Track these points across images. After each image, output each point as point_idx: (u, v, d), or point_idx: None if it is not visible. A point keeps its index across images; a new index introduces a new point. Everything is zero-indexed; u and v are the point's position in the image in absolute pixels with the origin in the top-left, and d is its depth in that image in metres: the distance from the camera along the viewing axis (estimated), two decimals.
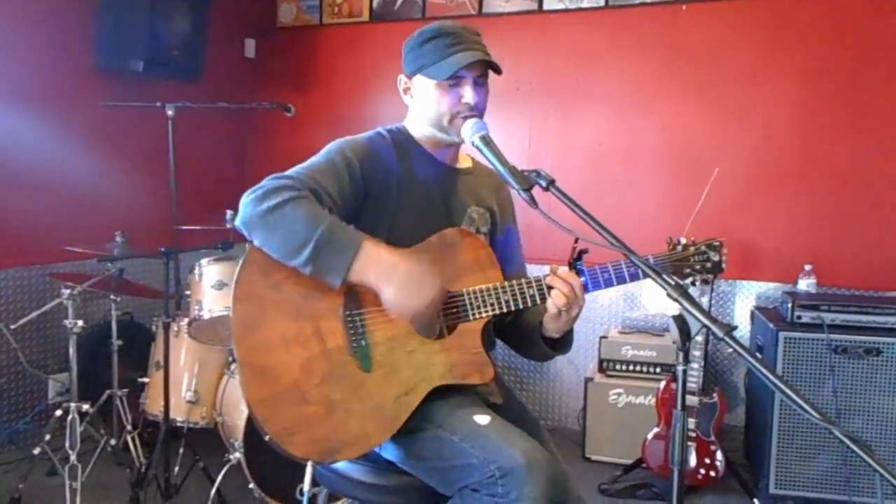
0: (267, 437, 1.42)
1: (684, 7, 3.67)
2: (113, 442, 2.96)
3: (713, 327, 1.16)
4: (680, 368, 1.23)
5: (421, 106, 1.70)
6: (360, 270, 1.46)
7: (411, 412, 1.50)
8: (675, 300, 1.20)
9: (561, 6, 3.88)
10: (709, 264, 1.66)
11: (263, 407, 1.43)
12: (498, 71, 1.66)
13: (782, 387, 1.10)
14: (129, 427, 3.09)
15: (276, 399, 1.44)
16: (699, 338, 3.02)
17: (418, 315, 1.48)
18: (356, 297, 1.53)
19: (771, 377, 1.11)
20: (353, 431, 1.46)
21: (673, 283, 1.21)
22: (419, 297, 1.46)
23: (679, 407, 1.23)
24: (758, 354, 1.15)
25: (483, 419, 1.47)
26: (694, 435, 3.04)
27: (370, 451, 1.51)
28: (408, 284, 1.46)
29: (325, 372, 1.48)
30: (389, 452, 1.59)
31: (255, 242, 1.51)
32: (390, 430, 1.48)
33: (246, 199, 1.51)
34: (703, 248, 1.66)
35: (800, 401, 1.09)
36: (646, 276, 1.53)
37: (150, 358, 3.16)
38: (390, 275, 1.46)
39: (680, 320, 1.21)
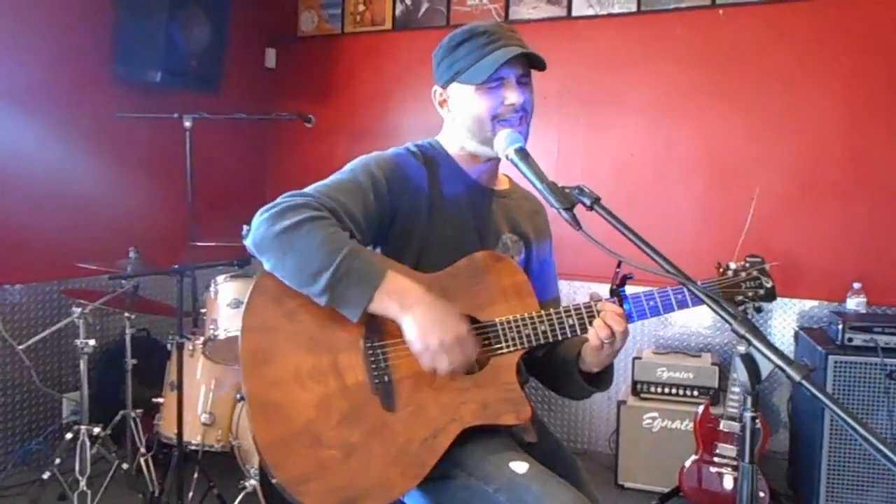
0: (275, 482, 1.27)
1: (721, 12, 3.50)
2: (125, 466, 2.85)
3: (789, 370, 1.00)
4: (748, 415, 1.07)
5: (460, 117, 1.52)
6: (382, 301, 1.32)
7: (440, 457, 1.34)
8: (743, 337, 1.04)
9: (590, 12, 3.74)
10: (762, 291, 1.50)
11: (275, 451, 1.29)
12: (542, 66, 1.49)
13: (876, 443, 0.94)
14: (142, 449, 2.98)
15: (288, 442, 1.29)
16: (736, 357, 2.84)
17: (444, 347, 1.31)
18: (378, 328, 1.38)
19: (862, 431, 0.95)
20: (374, 479, 1.30)
21: (739, 316, 1.06)
22: (442, 331, 1.31)
23: (747, 460, 1.07)
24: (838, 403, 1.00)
25: (520, 467, 1.31)
26: (735, 463, 2.86)
27: (394, 500, 1.34)
28: (431, 316, 1.32)
29: (344, 411, 1.33)
30: (415, 500, 1.43)
31: (266, 266, 1.37)
32: (416, 476, 1.32)
33: (259, 219, 1.37)
34: (755, 273, 1.51)
35: None
36: (696, 304, 1.40)
37: (165, 377, 3.06)
38: (413, 306, 1.32)
39: (748, 360, 1.05)
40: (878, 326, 2.74)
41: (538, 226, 1.69)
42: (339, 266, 1.29)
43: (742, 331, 1.05)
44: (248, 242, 1.38)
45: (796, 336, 3.28)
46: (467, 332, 1.34)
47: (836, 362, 2.73)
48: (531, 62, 1.49)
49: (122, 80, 3.57)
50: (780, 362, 1.01)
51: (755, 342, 1.03)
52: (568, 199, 1.26)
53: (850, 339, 2.75)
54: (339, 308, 1.33)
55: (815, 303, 3.39)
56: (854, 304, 3.08)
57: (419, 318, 1.31)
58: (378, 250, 1.52)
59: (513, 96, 1.46)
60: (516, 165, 1.38)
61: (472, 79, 1.46)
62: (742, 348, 1.07)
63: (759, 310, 1.56)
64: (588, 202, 1.25)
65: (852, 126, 3.32)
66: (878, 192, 3.28)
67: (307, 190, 1.41)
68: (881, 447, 0.93)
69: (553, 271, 1.74)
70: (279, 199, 1.38)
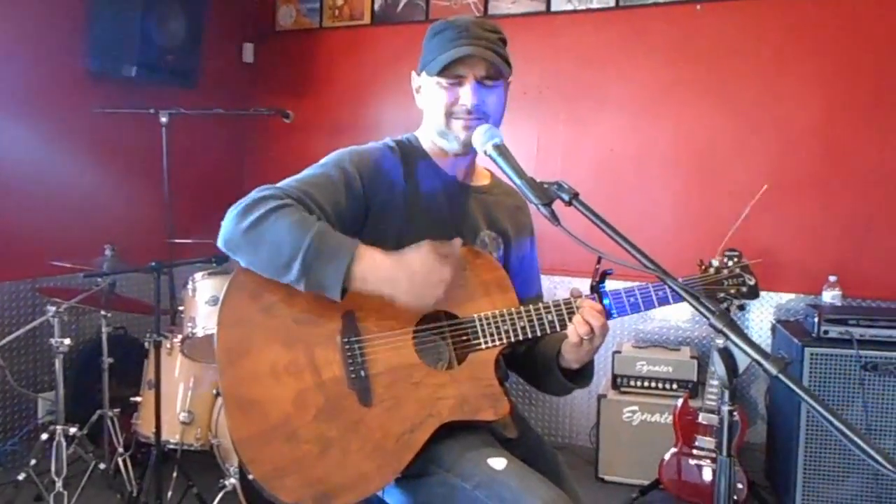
0: (251, 477, 1.27)
1: (698, 7, 3.53)
2: (102, 466, 2.82)
3: (766, 364, 1.00)
4: (725, 409, 1.07)
5: (425, 106, 1.55)
6: (359, 277, 1.31)
7: (416, 452, 1.33)
8: (721, 331, 1.05)
9: (569, 7, 3.75)
10: (744, 288, 1.51)
11: (250, 446, 1.28)
12: (500, 72, 1.47)
13: (851, 435, 0.95)
14: (120, 449, 2.95)
15: (264, 437, 1.28)
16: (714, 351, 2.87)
17: (436, 293, 1.34)
18: (354, 323, 1.37)
19: (837, 423, 0.96)
20: (350, 473, 1.30)
21: (717, 311, 1.06)
22: (431, 286, 1.33)
23: (724, 453, 1.07)
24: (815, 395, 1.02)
25: (499, 463, 1.31)
26: (714, 455, 2.89)
27: (370, 495, 1.34)
28: (415, 279, 1.32)
29: (320, 406, 1.32)
30: (393, 497, 1.43)
31: (242, 263, 1.35)
32: (393, 472, 1.32)
33: (228, 217, 1.36)
34: (737, 270, 1.52)
35: (873, 452, 0.93)
36: (677, 300, 1.41)
37: (143, 375, 3.02)
38: (395, 278, 1.31)
39: (726, 354, 1.06)
40: (854, 319, 2.77)
41: (519, 222, 1.68)
42: (309, 248, 1.28)
43: (719, 325, 1.05)
44: (219, 243, 1.37)
45: (773, 329, 3.32)
46: (438, 261, 1.34)
47: (812, 355, 2.75)
48: (496, 65, 1.46)
49: (96, 74, 3.51)
50: (757, 356, 1.02)
51: (732, 336, 1.04)
52: (546, 194, 1.26)
53: (826, 332, 2.78)
54: (320, 290, 1.31)
55: (791, 296, 3.43)
56: (830, 296, 3.12)
57: (405, 284, 1.32)
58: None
59: (465, 97, 1.45)
60: (494, 161, 1.37)
61: (430, 70, 1.47)
62: (720, 342, 1.08)
63: (742, 307, 1.57)
64: (566, 198, 1.24)
65: (829, 121, 3.36)
66: (854, 186, 3.33)
67: (277, 184, 1.40)
68: (856, 439, 0.94)
69: (535, 267, 1.73)
70: (248, 195, 1.37)
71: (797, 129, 3.41)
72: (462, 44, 1.43)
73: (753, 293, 1.50)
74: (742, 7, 3.46)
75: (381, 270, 1.32)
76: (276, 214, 1.31)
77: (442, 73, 1.44)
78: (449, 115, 1.47)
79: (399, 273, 1.32)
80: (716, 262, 1.54)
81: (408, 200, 1.50)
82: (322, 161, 1.48)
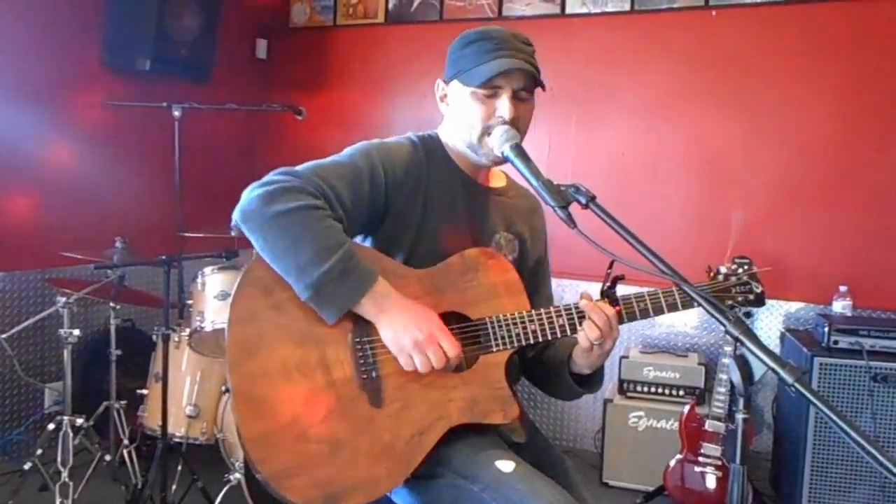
0: (259, 477, 1.25)
1: (714, 13, 3.51)
2: (108, 458, 2.83)
3: (782, 372, 1.00)
4: (740, 417, 1.07)
5: (454, 116, 1.51)
6: (364, 305, 1.33)
7: (426, 455, 1.33)
8: (738, 339, 1.04)
9: (584, 10, 3.73)
10: (751, 296, 1.51)
11: (260, 446, 1.27)
12: (541, 84, 1.47)
13: (867, 447, 0.94)
14: (126, 441, 2.96)
15: (273, 436, 1.27)
16: (725, 360, 2.85)
17: (418, 346, 1.32)
18: (366, 324, 1.37)
19: (853, 434, 0.95)
20: (360, 475, 1.29)
21: (733, 318, 1.05)
22: (415, 330, 1.32)
23: (738, 461, 1.07)
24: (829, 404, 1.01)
25: (507, 466, 1.31)
26: (719, 463, 2.87)
27: (379, 497, 1.33)
28: (403, 317, 1.33)
29: (331, 406, 1.31)
30: (401, 498, 1.43)
31: (253, 242, 1.34)
32: (402, 474, 1.31)
33: (251, 193, 1.34)
34: (745, 278, 1.52)
35: (889, 464, 0.93)
36: (686, 307, 1.41)
37: (150, 368, 3.03)
38: (389, 309, 1.33)
39: (741, 361, 1.05)
40: (864, 329, 2.76)
41: (534, 225, 1.68)
42: (333, 267, 1.28)
43: (736, 332, 1.05)
44: (235, 214, 1.35)
45: (782, 337, 3.30)
46: (440, 329, 1.33)
47: (821, 364, 2.74)
48: (533, 78, 1.46)
49: (110, 67, 3.52)
50: (773, 364, 1.02)
51: (749, 344, 1.03)
52: (564, 197, 1.26)
53: (836, 342, 2.77)
54: (319, 307, 1.31)
55: (801, 305, 3.40)
56: (840, 306, 3.10)
57: (393, 319, 1.31)
58: (368, 242, 1.50)
59: (504, 110, 1.43)
60: (512, 162, 1.37)
61: (468, 81, 1.44)
62: (729, 349, 1.07)
63: (748, 314, 1.57)
64: (584, 200, 1.24)
65: (842, 130, 3.34)
66: (866, 195, 3.30)
67: (301, 169, 1.38)
68: (872, 450, 0.94)
69: (548, 270, 1.73)
70: (273, 177, 1.35)
71: (810, 137, 3.39)
72: (502, 55, 1.42)
73: (760, 301, 1.50)
74: (757, 14, 3.44)
75: (382, 300, 1.33)
76: (306, 214, 1.30)
77: (480, 84, 1.42)
78: (485, 130, 1.45)
79: (395, 305, 1.33)
80: (724, 269, 1.53)
81: (427, 199, 1.49)
82: (349, 151, 1.46)
